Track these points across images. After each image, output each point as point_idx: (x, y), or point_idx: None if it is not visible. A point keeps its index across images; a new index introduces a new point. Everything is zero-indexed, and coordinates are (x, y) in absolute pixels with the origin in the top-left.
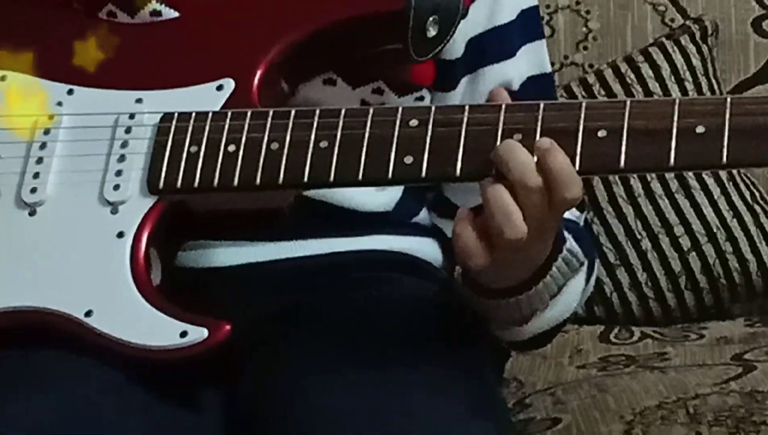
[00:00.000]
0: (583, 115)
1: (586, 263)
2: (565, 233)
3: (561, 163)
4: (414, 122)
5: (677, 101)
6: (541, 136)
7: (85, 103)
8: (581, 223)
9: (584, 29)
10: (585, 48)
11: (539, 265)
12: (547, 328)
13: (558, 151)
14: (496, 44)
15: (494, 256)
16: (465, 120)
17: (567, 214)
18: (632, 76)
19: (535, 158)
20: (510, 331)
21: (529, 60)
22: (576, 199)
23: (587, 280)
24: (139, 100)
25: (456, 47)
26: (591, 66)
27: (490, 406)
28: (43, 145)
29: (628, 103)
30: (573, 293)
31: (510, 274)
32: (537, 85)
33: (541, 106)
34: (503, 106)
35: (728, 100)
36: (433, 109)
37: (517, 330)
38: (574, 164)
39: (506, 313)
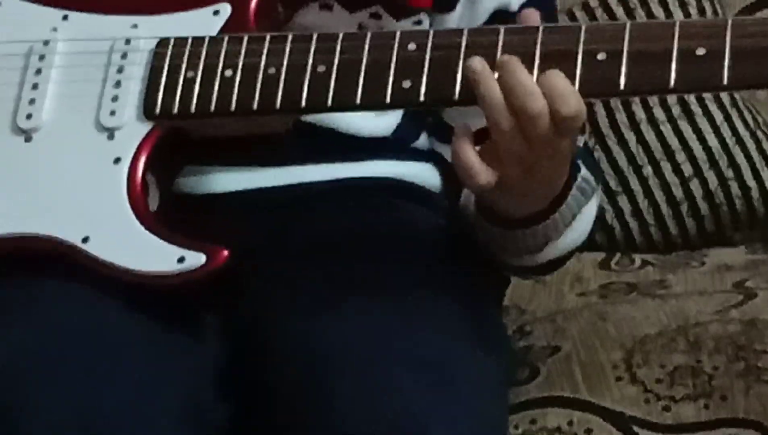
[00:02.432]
0: (582, 38)
1: (599, 192)
2: (579, 161)
3: (556, 79)
4: (412, 46)
5: (677, 23)
6: (540, 59)
7: (81, 29)
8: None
9: None
10: None
11: (557, 192)
12: (560, 254)
13: (552, 70)
14: None
15: (502, 175)
16: (463, 43)
17: None
18: (636, 0)
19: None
20: (521, 259)
21: None
22: (575, 116)
23: (598, 206)
24: (134, 26)
25: None
26: None
27: (492, 334)
28: (38, 71)
29: (628, 25)
30: (586, 220)
31: (528, 202)
32: (539, 5)
33: (540, 28)
34: (501, 30)
35: (729, 21)
36: (431, 33)
37: (528, 258)
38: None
39: (522, 242)
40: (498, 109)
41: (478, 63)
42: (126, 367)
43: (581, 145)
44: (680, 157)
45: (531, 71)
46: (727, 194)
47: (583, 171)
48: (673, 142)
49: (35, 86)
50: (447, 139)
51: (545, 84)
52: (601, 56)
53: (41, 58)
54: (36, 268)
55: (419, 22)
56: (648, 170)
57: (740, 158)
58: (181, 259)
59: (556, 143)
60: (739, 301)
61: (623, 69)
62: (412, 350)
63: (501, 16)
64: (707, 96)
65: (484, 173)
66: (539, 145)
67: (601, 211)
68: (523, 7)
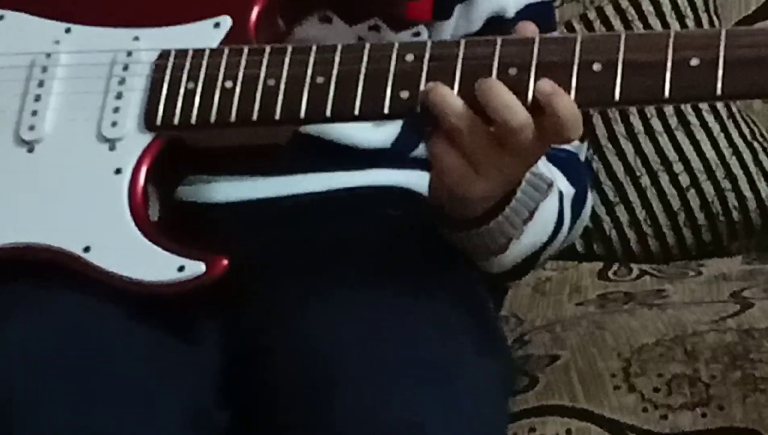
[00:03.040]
0: (578, 49)
1: (568, 190)
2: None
3: (567, 106)
4: (410, 57)
5: (672, 34)
6: (536, 70)
7: (83, 41)
8: (580, 153)
9: None
10: None
11: (505, 191)
12: (528, 254)
13: (562, 94)
14: None
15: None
16: (460, 54)
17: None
18: (633, 12)
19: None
20: (491, 263)
21: None
22: (577, 137)
23: (579, 210)
24: (136, 38)
25: None
26: (591, 2)
27: (492, 341)
28: (41, 83)
29: (623, 36)
30: (547, 216)
31: (475, 204)
32: (536, 13)
33: (537, 39)
34: (498, 40)
35: (723, 32)
36: (428, 44)
37: (498, 261)
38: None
39: (480, 242)
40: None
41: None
42: (126, 374)
43: (577, 152)
44: (677, 167)
45: (527, 81)
46: (724, 205)
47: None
48: (671, 153)
49: (38, 98)
50: None
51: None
52: (596, 67)
53: (44, 70)
54: (36, 276)
55: (418, 34)
56: (645, 181)
57: (737, 169)
58: (181, 268)
59: (536, 154)
60: (736, 310)
61: (618, 79)
62: (413, 356)
63: (496, 22)
64: (704, 107)
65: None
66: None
67: (598, 221)
68: (519, 13)
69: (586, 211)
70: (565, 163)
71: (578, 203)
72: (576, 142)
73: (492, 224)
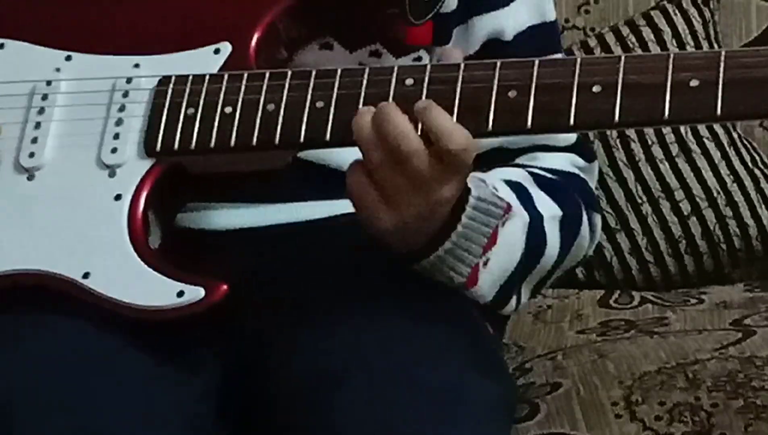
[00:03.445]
0: (577, 71)
1: (556, 212)
2: (474, 186)
3: (437, 118)
4: (409, 81)
5: (671, 56)
6: (536, 92)
7: (83, 69)
8: (588, 174)
9: None
10: (586, 11)
11: (443, 220)
12: (504, 280)
13: (434, 107)
14: None
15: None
16: (460, 78)
17: (559, 165)
18: (634, 39)
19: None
20: (471, 293)
21: (529, 9)
22: (461, 149)
23: (574, 231)
24: (136, 65)
25: (450, 0)
26: (592, 29)
27: (494, 364)
28: (41, 111)
29: (622, 58)
30: (512, 239)
31: (420, 235)
32: (538, 35)
33: (536, 62)
34: (498, 63)
35: (722, 53)
36: (428, 68)
37: (474, 291)
38: (568, 119)
39: (441, 271)
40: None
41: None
42: (125, 397)
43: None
44: (679, 195)
45: (527, 104)
46: (726, 232)
47: (479, 192)
48: (672, 180)
49: (38, 125)
50: None
51: (428, 123)
52: (596, 88)
53: (44, 97)
54: (35, 303)
55: (419, 59)
56: (647, 208)
57: (738, 197)
58: (180, 294)
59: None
60: (737, 338)
61: (618, 101)
62: (414, 376)
63: (494, 44)
64: (705, 135)
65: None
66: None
67: (599, 248)
68: (519, 35)
69: (584, 234)
70: (553, 185)
71: (571, 225)
72: (581, 162)
73: (441, 252)
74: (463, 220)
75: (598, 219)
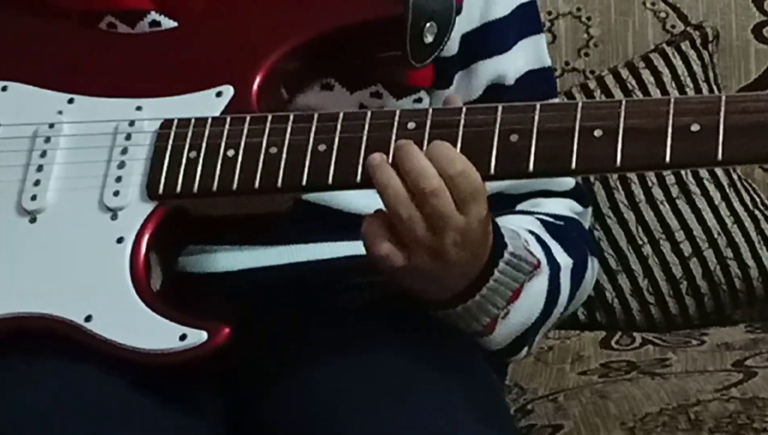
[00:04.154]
0: (579, 115)
1: (566, 262)
2: (509, 237)
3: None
4: (411, 125)
5: (672, 100)
6: (537, 137)
7: (86, 112)
8: (584, 220)
9: (585, 35)
10: (586, 54)
11: (476, 273)
12: (518, 334)
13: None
14: (489, 39)
15: (412, 261)
16: (462, 121)
17: (560, 210)
18: (633, 82)
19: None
20: (483, 341)
21: (528, 54)
22: (465, 178)
23: (579, 279)
24: (138, 108)
25: (451, 45)
26: (592, 72)
27: (494, 413)
28: (43, 153)
29: (623, 102)
30: (535, 295)
31: (444, 284)
32: (537, 79)
33: (538, 106)
34: (499, 107)
35: (723, 98)
36: (430, 111)
37: (486, 340)
38: (570, 163)
39: (463, 323)
40: (398, 197)
41: (377, 156)
42: None
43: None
44: (679, 236)
45: (529, 148)
46: (726, 273)
47: (511, 247)
48: (672, 221)
49: (40, 168)
50: None
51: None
52: (597, 133)
53: (47, 140)
54: (35, 347)
55: (419, 100)
56: (647, 249)
57: (739, 238)
58: (182, 337)
59: (460, 224)
60: (739, 379)
61: (619, 145)
62: (413, 424)
63: (496, 89)
64: (705, 176)
65: (397, 256)
66: (441, 229)
67: (601, 289)
68: (519, 80)
69: (588, 279)
70: (562, 233)
71: (577, 273)
72: (579, 208)
73: (470, 303)
74: (495, 274)
75: (596, 263)
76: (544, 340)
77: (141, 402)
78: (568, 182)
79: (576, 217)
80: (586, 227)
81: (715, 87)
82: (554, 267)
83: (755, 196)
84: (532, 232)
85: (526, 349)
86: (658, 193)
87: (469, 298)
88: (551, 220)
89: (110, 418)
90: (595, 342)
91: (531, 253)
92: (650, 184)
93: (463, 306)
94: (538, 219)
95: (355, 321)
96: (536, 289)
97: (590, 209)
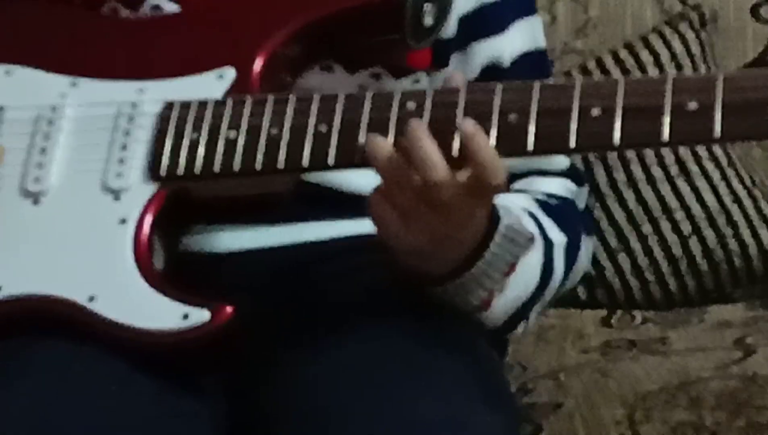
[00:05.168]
0: (577, 95)
1: (559, 239)
2: (503, 210)
3: (484, 148)
4: (411, 105)
5: (670, 78)
6: (536, 116)
7: (88, 94)
8: (579, 199)
9: (584, 16)
10: (585, 35)
11: (473, 246)
12: (517, 306)
13: (481, 135)
14: (485, 20)
15: (414, 242)
16: (461, 102)
17: (555, 189)
18: (632, 62)
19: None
20: (480, 317)
21: (524, 36)
22: (500, 185)
23: (574, 256)
24: (141, 90)
25: (449, 26)
26: (591, 53)
27: (497, 391)
28: (46, 136)
29: (621, 81)
30: (530, 269)
31: (441, 258)
32: (532, 61)
33: (536, 86)
34: (498, 87)
35: (720, 76)
36: (430, 91)
37: (486, 315)
38: (568, 142)
39: (460, 296)
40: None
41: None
42: (126, 431)
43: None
44: (679, 215)
45: (527, 127)
46: (726, 252)
47: (507, 220)
48: (672, 200)
49: (43, 150)
50: None
51: (472, 154)
52: (595, 112)
53: (50, 123)
54: (42, 329)
55: (417, 81)
56: (647, 228)
57: (738, 216)
58: (185, 316)
59: (471, 207)
60: (739, 357)
61: (618, 124)
62: (415, 410)
63: (493, 71)
64: (704, 155)
65: (395, 222)
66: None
67: (601, 268)
68: (514, 62)
69: (582, 258)
70: (557, 211)
71: (572, 250)
72: (574, 187)
73: (466, 277)
74: (491, 247)
75: (591, 242)
76: (544, 318)
77: (144, 386)
78: (563, 162)
79: (571, 196)
80: (582, 206)
81: (713, 67)
82: (547, 243)
83: (754, 174)
84: (524, 210)
85: (523, 323)
86: (657, 173)
87: (465, 271)
88: (545, 198)
89: (111, 402)
90: (596, 320)
91: (525, 228)
92: (650, 163)
93: (459, 280)
94: (534, 198)
95: (356, 303)
96: (531, 263)
97: (586, 188)
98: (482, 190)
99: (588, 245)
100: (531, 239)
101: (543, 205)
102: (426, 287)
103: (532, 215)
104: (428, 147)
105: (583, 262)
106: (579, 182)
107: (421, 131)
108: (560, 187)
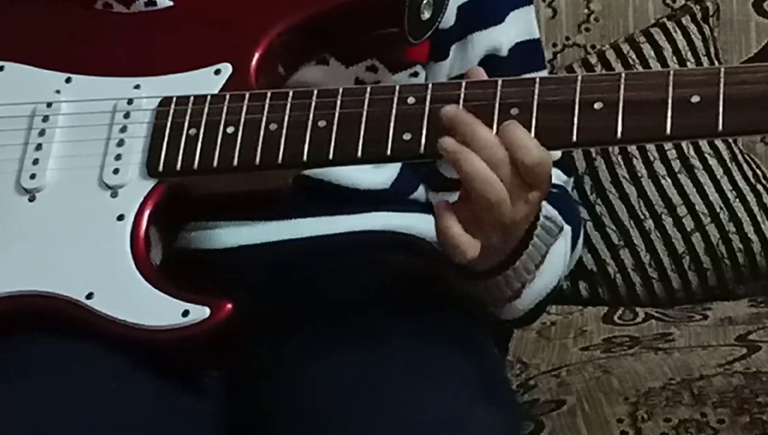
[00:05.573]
0: (579, 88)
1: (567, 228)
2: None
3: (518, 134)
4: (411, 99)
5: (672, 72)
6: (537, 110)
7: (84, 91)
8: (568, 188)
9: (586, 10)
10: (587, 29)
11: (519, 238)
12: (540, 298)
13: (515, 124)
14: (484, 10)
15: (482, 240)
16: (462, 96)
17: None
18: (634, 56)
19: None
20: (504, 309)
21: (518, 25)
22: (542, 168)
23: (572, 246)
24: (137, 86)
25: (448, 16)
26: (593, 47)
27: (498, 388)
28: (42, 132)
29: (623, 75)
30: (557, 259)
31: (491, 253)
32: (527, 51)
33: (537, 80)
34: (499, 82)
35: (722, 69)
36: (429, 86)
37: (511, 306)
38: (570, 136)
39: (498, 291)
40: (490, 180)
41: (450, 144)
42: (127, 429)
43: (568, 188)
44: (681, 211)
45: (529, 122)
46: (729, 248)
47: (545, 210)
48: (674, 196)
49: (39, 147)
50: (440, 188)
51: (506, 137)
52: (597, 106)
53: (45, 119)
54: (40, 327)
55: (415, 74)
56: (650, 224)
57: (741, 212)
58: (185, 313)
59: (528, 196)
60: (742, 354)
61: (620, 118)
62: (416, 408)
63: (492, 60)
64: (707, 150)
65: (472, 247)
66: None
67: (603, 265)
68: (510, 51)
69: (580, 247)
70: (560, 201)
71: (575, 239)
72: (564, 177)
73: (510, 271)
74: (533, 238)
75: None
76: (546, 315)
77: (144, 383)
78: (556, 152)
79: (562, 184)
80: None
81: (715, 61)
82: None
83: (757, 170)
84: None
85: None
86: (660, 168)
87: (510, 264)
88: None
89: (111, 399)
90: (598, 317)
91: (557, 216)
92: (652, 158)
93: (504, 273)
94: None
95: (357, 300)
96: (559, 253)
97: (572, 179)
98: (523, 172)
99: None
100: (562, 229)
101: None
102: (470, 282)
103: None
104: (522, 134)
105: (579, 251)
106: (568, 172)
107: (514, 124)
108: (554, 177)
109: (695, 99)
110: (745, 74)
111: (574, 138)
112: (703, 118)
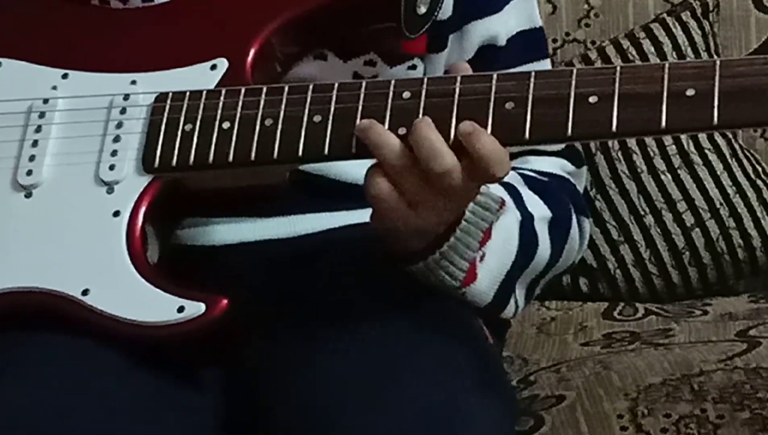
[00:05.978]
0: (574, 82)
1: (513, 205)
2: None
3: (486, 144)
4: (406, 94)
5: (666, 65)
6: (533, 104)
7: (80, 87)
8: (574, 179)
9: (586, 6)
10: (587, 25)
11: (447, 222)
12: (501, 279)
13: (481, 132)
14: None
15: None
16: (457, 90)
17: (547, 168)
18: (634, 52)
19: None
20: (468, 294)
21: (519, 15)
22: (503, 175)
23: (563, 235)
24: (133, 82)
25: (446, 7)
26: (593, 43)
27: (493, 380)
28: (38, 129)
29: (618, 68)
30: (506, 234)
31: (424, 232)
32: (527, 40)
33: (533, 74)
34: (494, 76)
35: (717, 62)
36: (425, 80)
37: (472, 290)
38: (566, 130)
39: (442, 270)
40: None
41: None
42: (125, 425)
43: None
44: (681, 206)
45: (524, 116)
46: (729, 243)
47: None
48: (674, 192)
49: (35, 143)
50: None
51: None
52: (592, 99)
53: (41, 115)
54: (37, 324)
55: (414, 67)
56: (650, 220)
57: (741, 207)
58: (180, 309)
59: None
60: (742, 349)
61: (615, 111)
62: (413, 402)
63: (489, 50)
64: (707, 146)
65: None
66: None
67: (603, 260)
68: (510, 41)
69: (575, 237)
70: (544, 188)
71: (559, 227)
72: (570, 167)
73: (445, 248)
74: (466, 214)
75: (587, 223)
76: (546, 311)
77: (140, 379)
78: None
79: (566, 175)
80: (580, 187)
81: (715, 56)
82: (527, 215)
83: (757, 165)
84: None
85: (513, 301)
86: (659, 164)
87: (444, 241)
88: (534, 175)
89: (108, 396)
90: (598, 313)
91: (493, 193)
92: (652, 154)
93: (440, 251)
94: (519, 174)
95: (354, 296)
96: (506, 227)
97: (584, 169)
98: (485, 178)
99: (584, 226)
100: (501, 203)
101: (529, 180)
102: (407, 265)
103: (508, 186)
104: (436, 139)
105: (576, 241)
106: (577, 163)
107: (427, 126)
108: (553, 165)
109: (690, 92)
110: (741, 67)
111: (570, 132)
112: (699, 111)
